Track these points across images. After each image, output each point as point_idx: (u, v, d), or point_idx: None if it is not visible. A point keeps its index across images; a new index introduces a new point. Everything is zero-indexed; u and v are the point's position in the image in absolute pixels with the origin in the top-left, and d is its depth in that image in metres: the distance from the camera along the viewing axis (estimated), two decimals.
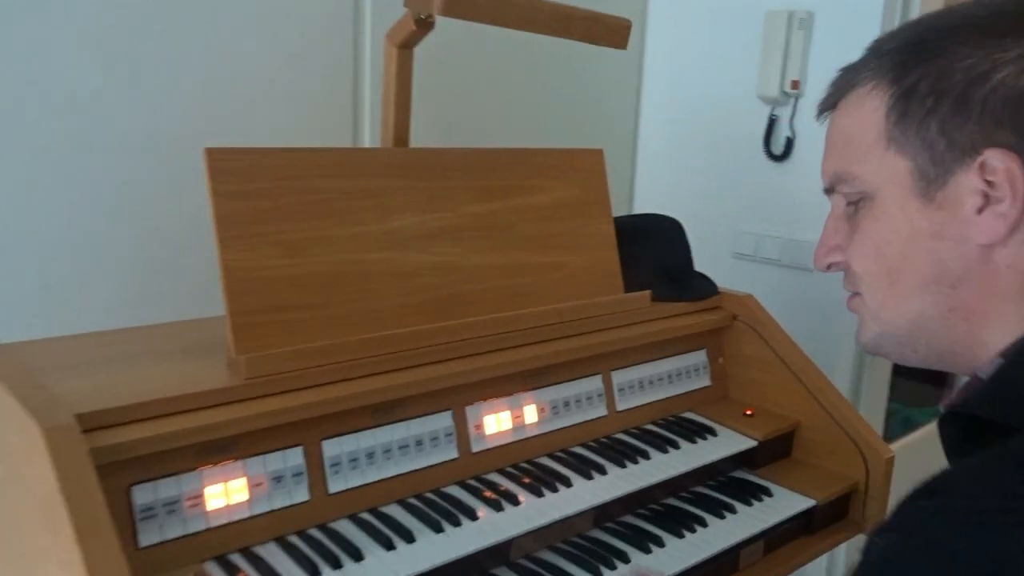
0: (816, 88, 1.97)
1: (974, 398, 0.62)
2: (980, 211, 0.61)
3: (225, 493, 0.92)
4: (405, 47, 1.22)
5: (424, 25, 1.17)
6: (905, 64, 0.65)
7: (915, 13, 1.94)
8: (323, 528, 0.98)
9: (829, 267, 0.73)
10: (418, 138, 1.29)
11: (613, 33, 1.13)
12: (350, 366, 1.02)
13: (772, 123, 2.05)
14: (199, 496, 0.90)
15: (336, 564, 0.91)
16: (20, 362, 0.94)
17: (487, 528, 1.01)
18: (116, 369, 0.98)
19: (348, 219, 1.09)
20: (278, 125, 1.48)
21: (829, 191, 0.72)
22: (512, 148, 1.31)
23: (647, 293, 1.38)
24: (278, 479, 0.96)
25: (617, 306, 1.33)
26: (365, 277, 1.10)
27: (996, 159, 0.60)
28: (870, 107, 0.66)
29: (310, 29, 1.50)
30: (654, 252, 1.45)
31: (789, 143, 2.04)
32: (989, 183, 0.61)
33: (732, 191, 2.14)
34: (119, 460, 0.83)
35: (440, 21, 1.15)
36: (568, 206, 1.35)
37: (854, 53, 1.68)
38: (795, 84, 1.99)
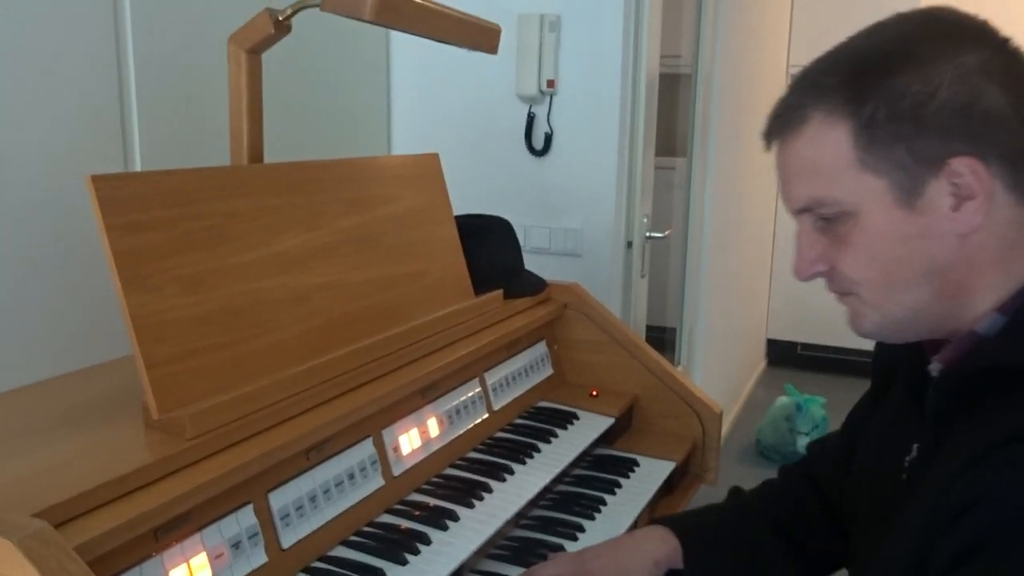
0: (569, 85, 2.14)
1: (994, 349, 0.75)
2: (956, 209, 0.73)
3: (189, 574, 0.79)
4: (255, 52, 1.11)
5: (282, 28, 1.08)
6: (856, 97, 0.74)
7: (648, 16, 2.17)
8: None
9: (812, 276, 0.82)
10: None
11: (489, 38, 1.14)
12: (279, 409, 0.93)
13: (531, 120, 2.17)
14: None
15: None
16: None
17: (446, 547, 0.99)
18: (29, 448, 0.79)
19: (240, 245, 0.98)
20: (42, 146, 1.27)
21: (801, 212, 0.80)
22: (363, 157, 1.26)
23: (499, 293, 1.41)
24: (236, 545, 0.85)
25: (482, 309, 1.34)
26: (265, 306, 1.00)
27: (961, 165, 0.72)
28: (833, 138, 0.75)
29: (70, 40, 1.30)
30: (491, 252, 1.48)
31: (548, 138, 2.18)
32: (956, 185, 0.73)
33: (498, 185, 2.23)
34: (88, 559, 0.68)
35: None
36: (419, 212, 1.33)
37: (600, 52, 1.89)
38: (551, 83, 2.13)
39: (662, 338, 3.17)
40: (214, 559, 0.82)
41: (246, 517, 0.87)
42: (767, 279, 4.82)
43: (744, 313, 4.30)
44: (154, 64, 1.42)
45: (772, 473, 1.15)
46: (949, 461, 0.71)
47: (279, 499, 0.91)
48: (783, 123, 0.80)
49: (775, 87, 4.59)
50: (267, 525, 0.89)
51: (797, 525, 1.06)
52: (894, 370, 0.92)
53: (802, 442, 3.35)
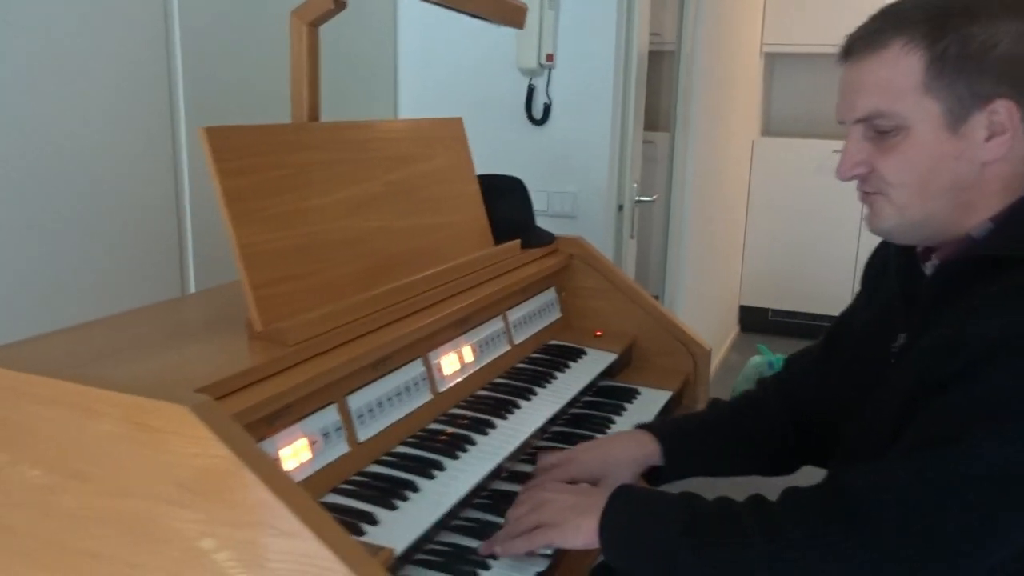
0: (567, 61, 2.31)
1: (984, 243, 0.93)
2: (987, 140, 0.92)
3: (295, 454, 0.97)
4: (315, 25, 1.27)
5: (340, 4, 1.24)
6: (935, 33, 0.91)
7: None
8: (364, 473, 1.06)
9: (853, 176, 0.99)
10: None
11: (517, 15, 1.30)
12: (356, 326, 1.10)
13: (531, 91, 2.35)
14: (277, 461, 0.94)
15: (402, 496, 1.01)
16: (45, 360, 0.89)
17: (489, 448, 1.17)
18: (148, 355, 0.96)
19: (312, 191, 1.15)
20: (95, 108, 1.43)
21: (858, 121, 0.96)
22: (403, 119, 1.43)
23: (517, 243, 1.59)
24: (326, 435, 1.03)
25: (504, 255, 1.52)
26: (333, 244, 1.17)
27: (1001, 105, 0.91)
28: (908, 62, 0.92)
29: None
30: (508, 207, 1.66)
31: (547, 109, 2.35)
32: (993, 121, 0.91)
33: (499, 151, 2.40)
34: None
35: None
36: (448, 169, 1.50)
37: (596, 29, 2.11)
38: (549, 57, 2.30)
39: None
40: (312, 445, 1.00)
41: (331, 414, 1.04)
42: (740, 249, 5.04)
43: (719, 281, 4.52)
44: (198, 32, 1.58)
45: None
46: (937, 336, 0.90)
47: (355, 401, 1.08)
48: (865, 44, 0.96)
49: (752, 67, 4.79)
50: (347, 422, 1.07)
51: (764, 426, 1.25)
52: (882, 277, 1.11)
53: None
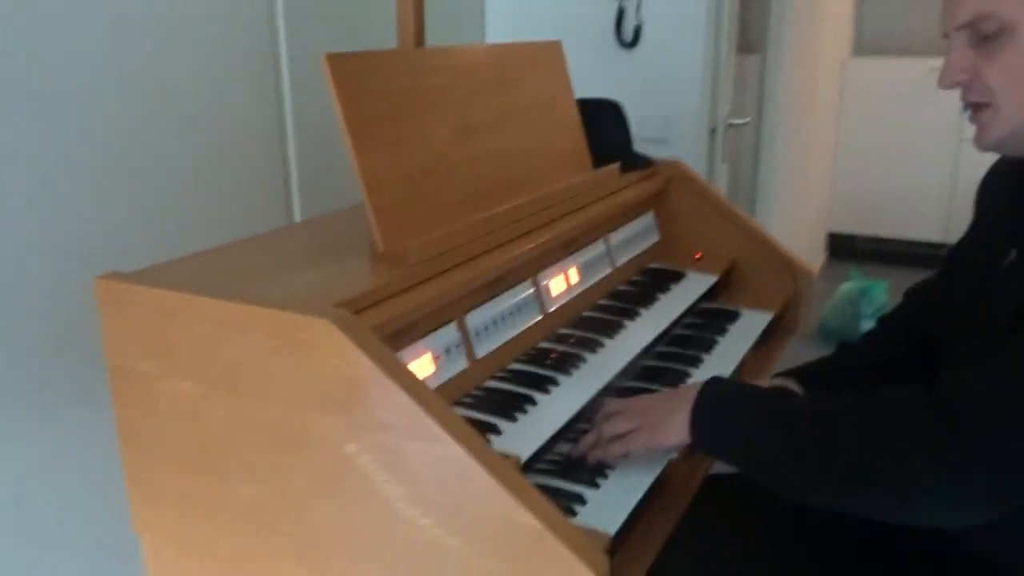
0: None
1: None
2: None
3: (420, 369, 1.01)
4: None
5: None
6: None
7: None
8: (483, 388, 1.11)
9: (955, 84, 0.97)
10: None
11: None
12: (473, 247, 1.13)
13: (621, 14, 2.30)
14: None
15: (522, 409, 1.05)
16: (191, 280, 0.95)
17: (600, 365, 1.20)
18: (282, 275, 1.01)
19: (427, 115, 1.17)
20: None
21: (961, 27, 0.94)
22: (505, 44, 1.43)
23: (617, 166, 1.59)
24: (447, 351, 1.07)
25: (605, 179, 1.53)
26: (447, 168, 1.19)
27: None
28: None
29: None
30: (607, 131, 1.65)
31: (637, 31, 2.31)
32: None
33: (589, 75, 2.37)
34: None
35: None
36: (549, 93, 1.50)
37: None
38: None
39: None
40: (435, 360, 1.04)
41: (451, 331, 1.08)
42: (829, 174, 4.90)
43: (808, 206, 4.42)
44: None
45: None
46: None
47: (473, 319, 1.12)
48: None
49: None
50: (466, 339, 1.10)
51: (897, 362, 1.24)
52: (995, 198, 1.08)
53: (865, 325, 3.51)
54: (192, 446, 0.96)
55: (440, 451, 0.80)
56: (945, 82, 0.97)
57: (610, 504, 0.97)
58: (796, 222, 4.09)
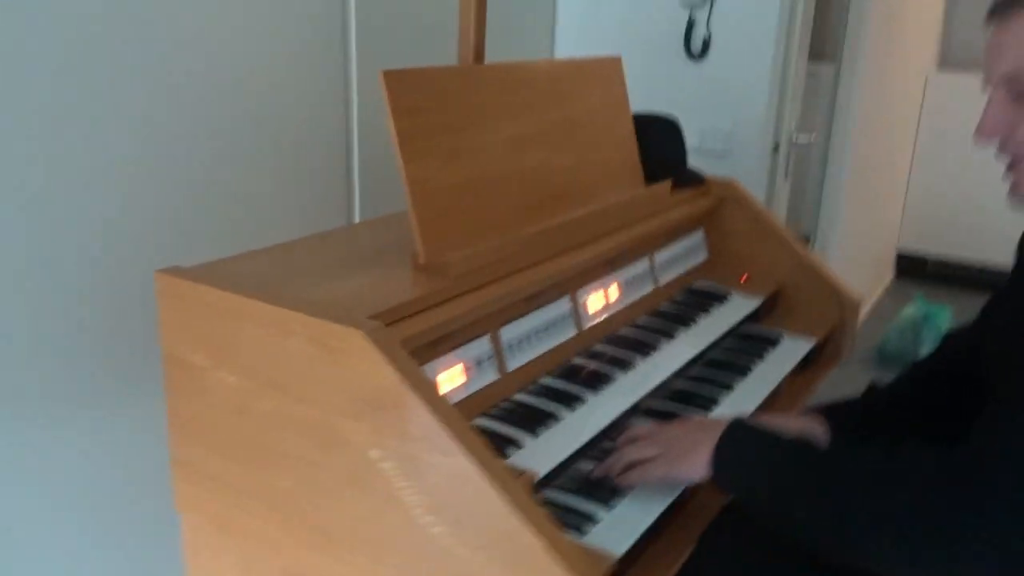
0: None
1: None
2: None
3: (450, 379, 1.06)
4: None
5: None
6: None
7: None
8: (511, 400, 1.15)
9: (992, 139, 0.96)
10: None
11: None
12: (513, 261, 1.17)
13: (691, 25, 2.30)
14: (435, 383, 1.04)
15: (545, 425, 1.09)
16: (244, 280, 1.01)
17: (628, 385, 1.23)
18: (327, 281, 1.07)
19: (480, 129, 1.21)
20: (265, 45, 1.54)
21: (1002, 82, 0.94)
22: (562, 59, 1.46)
23: (667, 184, 1.61)
24: (479, 363, 1.11)
25: (655, 196, 1.55)
26: (496, 181, 1.23)
27: None
28: None
29: None
30: (660, 147, 1.67)
31: (706, 43, 2.30)
32: None
33: (655, 86, 2.38)
34: None
35: None
36: (604, 108, 1.52)
37: None
38: None
39: None
40: (466, 371, 1.08)
41: (484, 344, 1.12)
42: (903, 192, 4.78)
43: (877, 224, 4.33)
44: None
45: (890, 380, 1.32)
46: None
47: (507, 333, 1.16)
48: (1011, 2, 0.93)
49: None
50: (498, 352, 1.15)
51: (930, 404, 1.23)
52: None
53: (925, 351, 3.44)
54: (235, 436, 1.03)
55: (454, 464, 0.84)
56: (982, 136, 0.97)
57: (622, 526, 1.00)
58: (863, 239, 4.01)
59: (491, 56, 1.46)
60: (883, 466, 0.89)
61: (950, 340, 1.29)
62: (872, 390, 1.30)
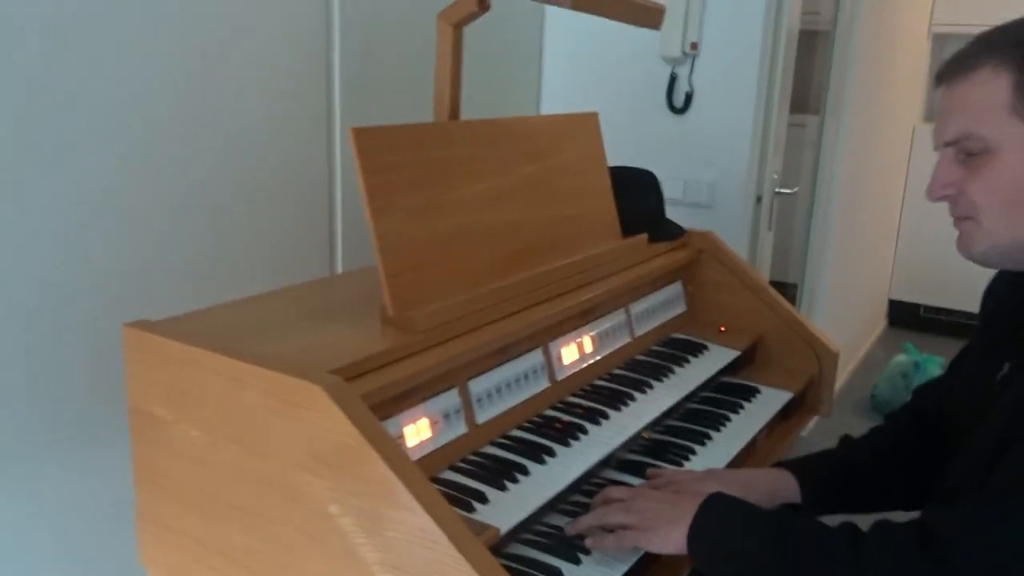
0: (711, 49, 2.29)
1: None
2: None
3: (416, 433, 1.06)
4: (459, 26, 1.34)
5: (484, 7, 1.30)
6: None
7: None
8: (480, 453, 1.14)
9: (942, 198, 0.99)
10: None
11: (655, 16, 1.33)
12: (481, 315, 1.18)
13: (673, 80, 2.34)
14: (401, 437, 1.04)
15: (513, 478, 1.08)
16: (208, 333, 1.02)
17: (600, 438, 1.22)
18: (293, 334, 1.07)
19: (450, 185, 1.23)
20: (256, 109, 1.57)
21: (948, 144, 0.97)
22: (537, 116, 1.49)
23: (644, 237, 1.62)
24: (446, 416, 1.11)
25: (631, 249, 1.56)
26: (467, 236, 1.24)
27: None
28: (996, 85, 0.92)
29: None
30: (638, 200, 1.69)
31: (688, 97, 2.34)
32: None
33: (638, 140, 2.41)
34: None
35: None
36: (580, 162, 1.54)
37: (742, 19, 2.07)
38: (694, 46, 2.28)
39: (783, 293, 3.28)
40: (432, 424, 1.08)
41: (452, 397, 1.12)
42: (893, 240, 4.81)
43: (867, 272, 4.34)
44: (355, 34, 1.69)
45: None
46: None
47: (476, 386, 1.16)
48: (957, 67, 0.97)
49: (916, 49, 4.53)
50: (467, 404, 1.15)
51: (902, 456, 1.23)
52: (998, 309, 1.08)
53: None
54: (197, 490, 1.02)
55: (413, 521, 0.84)
56: (932, 195, 0.99)
57: None
58: (853, 287, 4.03)
59: (479, 114, 1.49)
60: (858, 552, 0.90)
61: (922, 392, 1.29)
62: (846, 441, 1.29)
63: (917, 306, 4.83)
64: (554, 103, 2.49)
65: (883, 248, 4.67)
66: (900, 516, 1.11)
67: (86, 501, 1.38)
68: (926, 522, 0.90)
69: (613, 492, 1.12)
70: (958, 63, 0.96)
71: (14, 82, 1.20)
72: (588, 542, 1.03)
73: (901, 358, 3.67)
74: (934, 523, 0.89)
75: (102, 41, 1.31)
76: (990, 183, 0.93)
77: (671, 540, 1.00)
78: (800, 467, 1.22)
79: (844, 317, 3.89)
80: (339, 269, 1.80)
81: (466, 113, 1.39)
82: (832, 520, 0.97)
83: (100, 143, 1.33)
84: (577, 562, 1.03)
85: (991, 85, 0.92)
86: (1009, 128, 0.92)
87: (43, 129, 1.25)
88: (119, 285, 1.37)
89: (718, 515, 1.00)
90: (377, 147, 1.12)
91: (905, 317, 4.86)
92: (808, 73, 3.37)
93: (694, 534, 0.99)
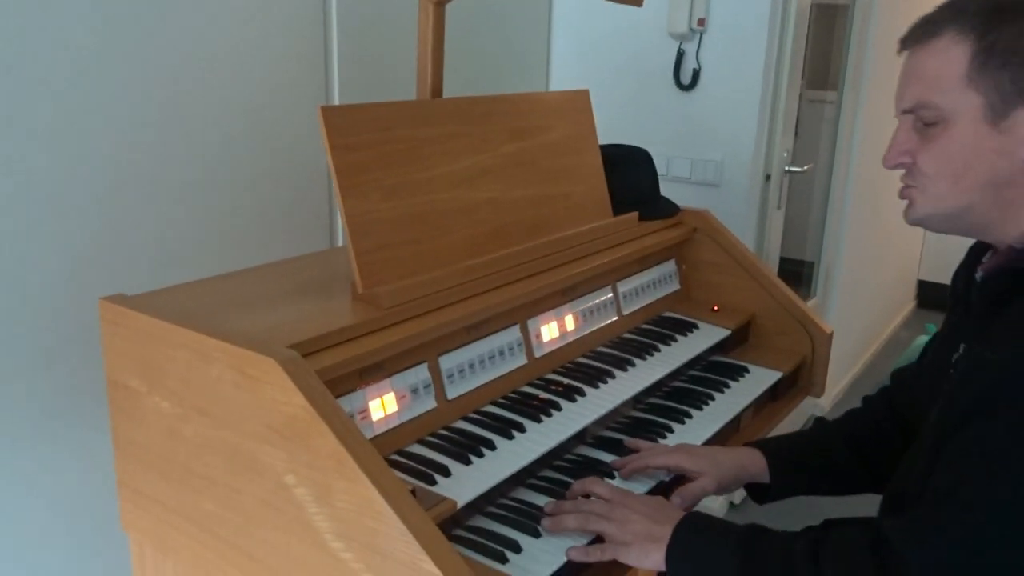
0: (719, 25, 2.26)
1: (1021, 257, 0.91)
2: None
3: (382, 406, 1.08)
4: (441, 4, 1.35)
5: None
6: (985, 26, 0.89)
7: None
8: (449, 428, 1.16)
9: (897, 166, 0.98)
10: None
11: None
12: (450, 293, 1.19)
13: (680, 57, 2.32)
14: (366, 411, 1.06)
15: (479, 453, 1.10)
16: (180, 308, 1.04)
17: (572, 415, 1.23)
18: (264, 309, 1.10)
19: (425, 164, 1.24)
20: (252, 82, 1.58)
21: (907, 112, 0.95)
22: (524, 93, 1.48)
23: (635, 215, 1.62)
24: (415, 391, 1.13)
25: (619, 227, 1.56)
26: (442, 214, 1.25)
27: None
28: (955, 53, 0.90)
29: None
30: (630, 178, 1.68)
31: (695, 74, 2.32)
32: None
33: (645, 117, 2.40)
34: None
35: None
36: (569, 141, 1.54)
37: None
38: (700, 22, 2.26)
39: (799, 271, 3.26)
40: (399, 399, 1.10)
41: (422, 372, 1.14)
42: None
43: (893, 252, 4.27)
44: (352, 15, 1.70)
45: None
46: (975, 354, 0.88)
47: (447, 362, 1.18)
48: (921, 33, 0.95)
49: None
50: (437, 380, 1.16)
51: (872, 442, 1.22)
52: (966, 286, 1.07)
53: None
54: (168, 459, 1.06)
55: (361, 492, 0.86)
56: (888, 163, 0.98)
57: (544, 556, 1.00)
58: (876, 268, 3.96)
59: (488, 92, 1.50)
60: (815, 567, 0.91)
61: (896, 376, 1.28)
62: (819, 423, 1.29)
63: (946, 287, 4.74)
64: (562, 80, 2.48)
65: (911, 228, 4.58)
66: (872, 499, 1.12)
67: (76, 474, 1.43)
68: (881, 528, 0.90)
69: (592, 487, 1.10)
70: (921, 29, 0.94)
71: (14, 48, 1.24)
72: (571, 553, 1.01)
73: (922, 339, 3.61)
74: (887, 530, 0.89)
75: (107, 25, 1.34)
76: (940, 152, 0.92)
77: (649, 559, 1.00)
78: (771, 447, 1.22)
79: (865, 297, 3.83)
80: (340, 243, 1.83)
81: (474, 91, 1.40)
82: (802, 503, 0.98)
83: (105, 127, 1.36)
84: (537, 535, 1.04)
85: (949, 53, 0.91)
86: (963, 98, 0.90)
87: (44, 107, 1.28)
88: (122, 264, 1.41)
89: (692, 535, 1.00)
90: (347, 126, 1.13)
91: (934, 298, 4.77)
92: (829, 48, 3.30)
93: (672, 555, 0.99)
